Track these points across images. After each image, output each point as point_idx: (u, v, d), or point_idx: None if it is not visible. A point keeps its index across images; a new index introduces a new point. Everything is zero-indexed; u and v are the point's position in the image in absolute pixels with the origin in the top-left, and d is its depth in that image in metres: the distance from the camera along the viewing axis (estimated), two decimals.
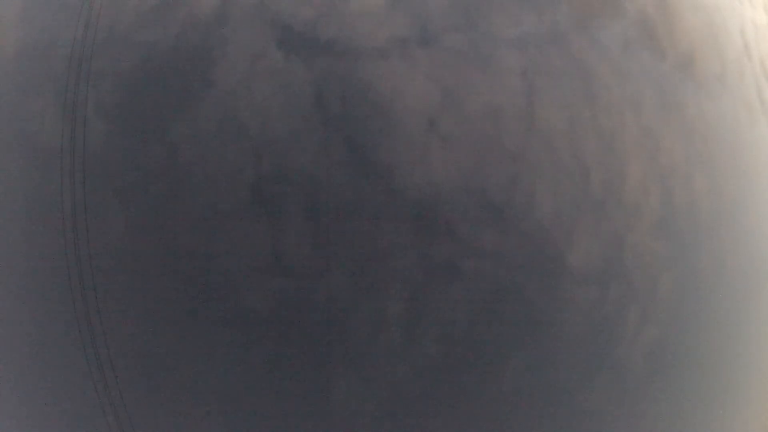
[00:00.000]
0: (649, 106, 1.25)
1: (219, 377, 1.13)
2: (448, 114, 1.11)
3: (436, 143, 1.10)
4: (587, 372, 1.16)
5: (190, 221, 1.10)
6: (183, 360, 1.13)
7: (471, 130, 1.11)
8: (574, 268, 1.13)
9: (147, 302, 1.13)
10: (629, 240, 1.16)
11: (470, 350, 1.11)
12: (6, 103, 1.24)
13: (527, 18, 1.18)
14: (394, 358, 1.09)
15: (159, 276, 1.12)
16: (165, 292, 1.12)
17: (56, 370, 1.25)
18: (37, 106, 1.20)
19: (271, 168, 1.09)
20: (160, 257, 1.11)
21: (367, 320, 1.08)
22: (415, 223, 1.09)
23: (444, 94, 1.12)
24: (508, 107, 1.14)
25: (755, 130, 1.41)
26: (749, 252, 1.32)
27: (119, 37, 1.19)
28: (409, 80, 1.11)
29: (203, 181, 1.10)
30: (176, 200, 1.10)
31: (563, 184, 1.14)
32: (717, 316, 1.28)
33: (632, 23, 1.27)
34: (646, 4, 1.30)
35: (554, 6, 1.21)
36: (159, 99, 1.14)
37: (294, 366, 1.11)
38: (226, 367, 1.13)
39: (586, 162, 1.16)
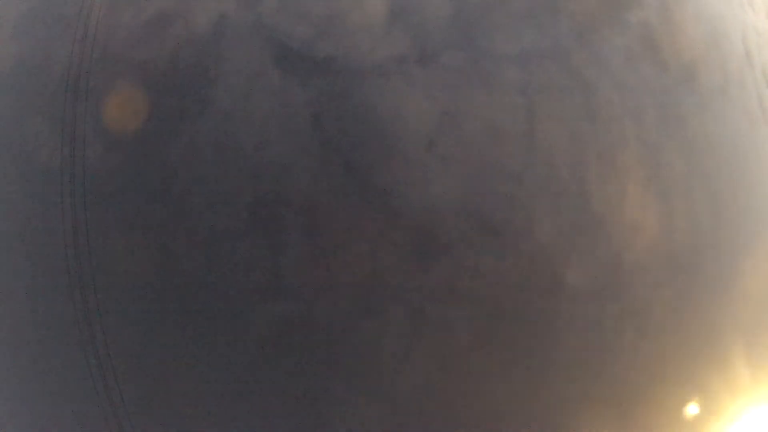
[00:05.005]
0: (650, 121, 1.23)
1: (219, 394, 1.14)
2: (447, 134, 1.11)
3: (435, 164, 1.09)
4: (584, 389, 1.17)
5: (190, 243, 1.10)
6: (183, 379, 1.14)
7: (470, 150, 1.11)
8: (572, 286, 1.14)
9: (148, 322, 1.14)
10: (627, 257, 1.16)
11: (469, 369, 1.12)
12: (2, 120, 1.23)
13: (528, 34, 1.16)
14: (394, 377, 1.10)
15: (159, 297, 1.12)
16: (165, 313, 1.12)
17: (58, 381, 1.26)
18: (34, 124, 1.19)
19: (269, 189, 1.09)
20: (160, 278, 1.11)
21: (367, 341, 1.09)
22: (414, 244, 1.09)
23: (443, 113, 1.12)
24: (509, 126, 1.13)
25: (756, 139, 1.39)
26: (749, 265, 1.32)
27: (115, 53, 1.17)
28: (407, 99, 1.10)
29: (202, 202, 1.09)
30: (176, 221, 1.10)
31: (562, 203, 1.14)
32: (715, 328, 1.28)
33: (635, 35, 1.25)
34: (649, 15, 1.28)
35: (555, 20, 1.19)
36: (156, 118, 1.13)
37: (294, 385, 1.12)
38: (226, 384, 1.14)
39: (586, 179, 1.15)
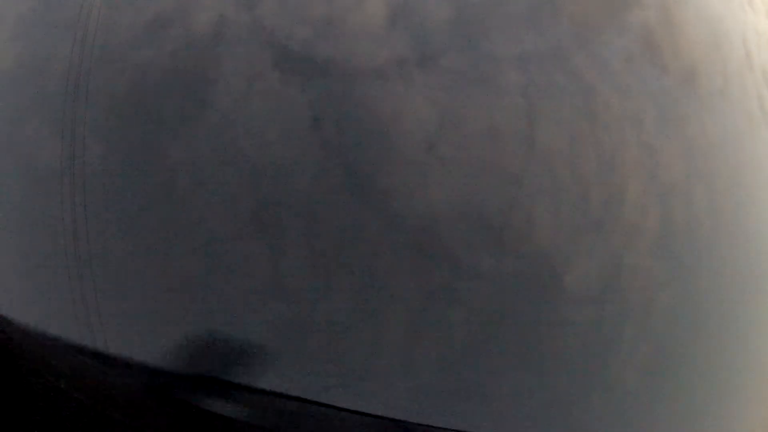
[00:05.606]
0: (650, 123, 1.23)
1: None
2: (447, 136, 1.10)
3: (435, 166, 1.09)
4: (583, 390, 1.18)
5: (190, 245, 1.10)
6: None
7: (470, 152, 1.10)
8: (571, 288, 1.13)
9: (148, 323, 1.14)
10: (627, 260, 1.16)
11: (468, 372, 1.12)
12: (1, 121, 1.23)
13: (528, 36, 1.16)
14: (393, 381, 1.10)
15: (159, 299, 1.13)
16: (165, 316, 1.13)
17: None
18: (33, 126, 1.19)
19: (269, 192, 1.09)
20: (161, 281, 1.12)
21: (366, 344, 1.09)
22: (414, 247, 1.09)
23: (443, 115, 1.11)
24: (509, 128, 1.12)
25: (756, 140, 1.39)
26: (749, 268, 1.32)
27: (114, 55, 1.17)
28: (407, 102, 1.10)
29: (202, 204, 1.09)
30: (176, 223, 1.10)
31: (562, 204, 1.13)
32: (714, 332, 1.29)
33: (635, 37, 1.24)
34: (649, 16, 1.28)
35: (555, 22, 1.19)
36: (156, 120, 1.13)
37: (292, 387, 1.12)
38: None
39: (586, 182, 1.15)
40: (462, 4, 1.19)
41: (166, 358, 1.07)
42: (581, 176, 1.12)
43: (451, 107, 1.10)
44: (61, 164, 1.10)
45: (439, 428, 1.06)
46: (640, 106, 1.20)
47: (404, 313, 1.06)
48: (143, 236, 1.08)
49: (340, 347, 1.06)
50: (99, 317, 1.06)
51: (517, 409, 1.10)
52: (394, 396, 1.06)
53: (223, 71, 1.10)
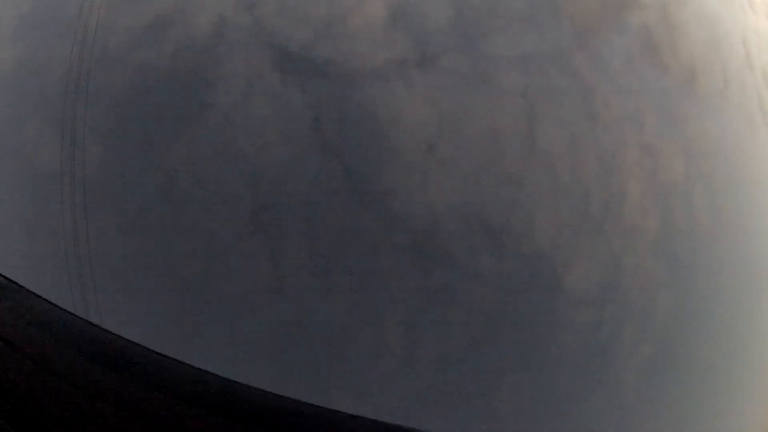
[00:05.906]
0: (649, 124, 1.23)
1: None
2: (447, 138, 1.10)
3: (434, 168, 1.09)
4: (582, 391, 1.18)
5: (190, 247, 1.10)
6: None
7: (470, 154, 1.10)
8: (571, 290, 1.13)
9: (148, 324, 1.14)
10: (627, 261, 1.16)
11: (468, 372, 1.12)
12: (2, 122, 1.23)
13: (529, 37, 1.16)
14: (393, 382, 1.10)
15: (159, 300, 1.13)
16: (165, 318, 1.13)
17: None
18: (33, 126, 1.19)
19: (269, 194, 1.09)
20: (160, 282, 1.12)
21: (366, 345, 1.10)
22: (414, 248, 1.09)
23: (443, 117, 1.11)
24: (509, 129, 1.12)
25: (756, 141, 1.39)
26: (749, 267, 1.32)
27: (114, 55, 1.17)
28: (407, 103, 1.10)
29: (202, 206, 1.09)
30: (175, 226, 1.10)
31: (562, 206, 1.13)
32: (714, 331, 1.29)
33: (635, 38, 1.25)
34: (649, 17, 1.28)
35: (556, 23, 1.19)
36: (155, 121, 1.13)
37: (292, 389, 1.12)
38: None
39: (586, 183, 1.15)
40: (462, 4, 1.19)
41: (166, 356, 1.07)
42: (581, 177, 1.13)
43: (451, 108, 1.10)
44: (61, 164, 1.10)
45: (440, 428, 1.06)
46: (640, 106, 1.20)
47: (404, 313, 1.06)
48: (143, 236, 1.08)
49: (340, 347, 1.06)
50: (99, 317, 1.06)
51: (517, 409, 1.11)
52: (394, 396, 1.06)
53: (223, 72, 1.10)
